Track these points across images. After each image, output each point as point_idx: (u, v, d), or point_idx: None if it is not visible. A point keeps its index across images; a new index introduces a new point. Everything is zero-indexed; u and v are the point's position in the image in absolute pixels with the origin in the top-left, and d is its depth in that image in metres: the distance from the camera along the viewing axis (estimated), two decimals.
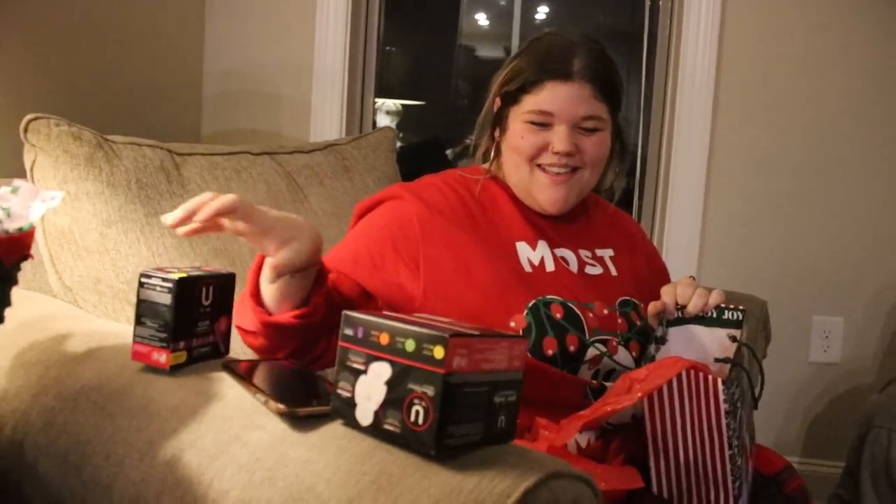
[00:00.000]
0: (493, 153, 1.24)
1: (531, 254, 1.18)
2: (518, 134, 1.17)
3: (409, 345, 0.68)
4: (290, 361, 0.96)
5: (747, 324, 1.13)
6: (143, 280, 0.86)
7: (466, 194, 1.21)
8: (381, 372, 0.70)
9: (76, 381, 0.89)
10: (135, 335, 0.87)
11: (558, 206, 1.18)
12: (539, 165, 1.17)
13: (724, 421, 0.96)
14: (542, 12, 3.15)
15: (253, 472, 0.73)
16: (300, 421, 0.76)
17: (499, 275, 1.13)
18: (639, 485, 0.98)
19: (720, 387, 0.95)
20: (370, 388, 0.71)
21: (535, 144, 1.15)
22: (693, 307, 1.10)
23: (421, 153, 2.81)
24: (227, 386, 0.85)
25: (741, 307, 1.11)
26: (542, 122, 1.15)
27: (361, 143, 1.69)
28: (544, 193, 1.17)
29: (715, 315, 1.10)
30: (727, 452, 0.96)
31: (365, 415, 0.71)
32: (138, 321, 0.87)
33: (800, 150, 2.21)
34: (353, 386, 0.72)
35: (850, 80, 2.18)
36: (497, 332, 0.75)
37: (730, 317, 1.10)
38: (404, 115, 3.02)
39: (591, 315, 1.13)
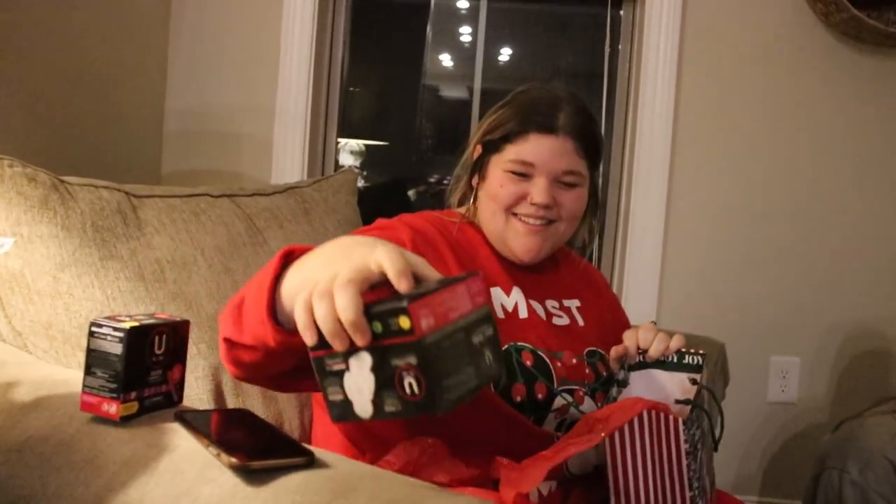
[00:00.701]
0: (471, 199, 1.25)
1: (505, 300, 1.18)
2: (497, 182, 1.18)
3: (377, 327, 0.67)
4: (247, 411, 0.94)
5: (707, 367, 1.14)
6: (94, 329, 0.85)
7: (446, 233, 1.21)
8: (362, 363, 0.69)
9: (22, 431, 0.87)
10: (84, 385, 0.85)
11: (531, 255, 1.19)
12: (515, 214, 1.18)
13: (684, 461, 0.96)
14: (505, 54, 3.19)
15: None
16: (253, 474, 0.75)
17: None
18: None
19: (681, 426, 0.96)
20: (358, 382, 0.69)
21: (515, 194, 1.17)
22: (654, 351, 1.12)
23: (383, 194, 2.81)
24: (180, 437, 0.83)
25: (701, 351, 1.13)
26: (523, 173, 1.16)
27: (322, 185, 1.69)
28: (518, 241, 1.18)
29: (675, 359, 1.12)
30: (688, 494, 0.97)
31: (364, 408, 0.69)
32: (88, 371, 0.85)
33: (756, 195, 2.25)
34: (342, 387, 0.70)
35: (807, 126, 2.24)
36: (450, 279, 0.74)
37: (690, 361, 1.12)
38: (368, 155, 3.03)
39: (559, 364, 1.14)
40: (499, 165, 1.18)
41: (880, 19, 2.08)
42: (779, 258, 2.27)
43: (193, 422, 0.86)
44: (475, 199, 1.24)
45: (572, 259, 1.35)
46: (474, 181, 1.24)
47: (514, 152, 1.17)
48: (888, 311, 2.28)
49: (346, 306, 0.65)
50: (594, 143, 1.20)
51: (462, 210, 1.26)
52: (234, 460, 0.75)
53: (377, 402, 0.69)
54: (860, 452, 1.69)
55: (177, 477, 0.77)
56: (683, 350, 1.12)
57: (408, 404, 0.68)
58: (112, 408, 0.84)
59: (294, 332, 0.72)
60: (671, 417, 0.97)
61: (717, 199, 2.26)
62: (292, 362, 0.83)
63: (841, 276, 2.27)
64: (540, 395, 1.10)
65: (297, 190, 1.62)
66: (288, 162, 2.22)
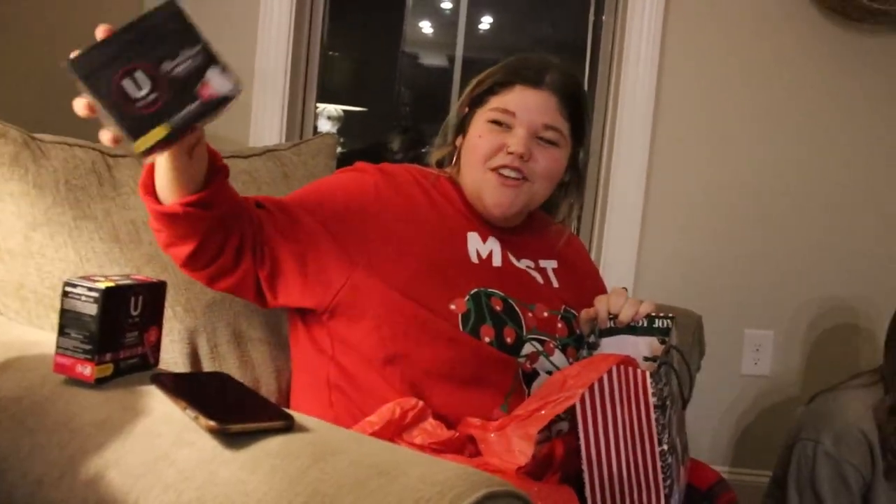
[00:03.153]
0: (454, 158, 1.24)
1: (480, 245, 1.18)
2: (477, 133, 1.18)
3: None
4: (225, 374, 0.93)
5: (676, 330, 1.15)
6: (68, 289, 0.83)
7: (425, 182, 1.22)
8: None
9: None
10: (57, 346, 0.83)
11: (502, 208, 1.17)
12: (491, 169, 1.17)
13: (653, 415, 0.96)
14: (486, 22, 3.16)
15: (181, 491, 0.70)
16: (232, 438, 0.74)
17: (445, 256, 1.14)
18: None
19: (649, 380, 0.96)
20: None
21: (492, 143, 1.16)
22: (624, 316, 1.13)
23: (363, 160, 2.79)
24: (156, 401, 0.82)
25: (670, 315, 1.14)
26: (503, 122, 1.16)
27: (301, 149, 1.66)
28: (492, 194, 1.17)
29: (646, 324, 1.12)
30: (657, 449, 0.97)
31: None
32: (62, 332, 0.83)
33: (736, 167, 2.25)
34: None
35: (791, 101, 2.24)
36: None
37: (660, 325, 1.13)
38: (346, 121, 2.99)
39: (530, 315, 1.15)
40: (481, 116, 1.18)
41: None
42: (755, 233, 2.27)
43: (170, 385, 0.84)
44: (458, 158, 1.23)
45: (553, 227, 1.34)
46: (458, 141, 1.24)
47: (496, 102, 1.17)
48: (860, 289, 2.30)
49: None
50: (579, 106, 1.20)
51: (447, 169, 1.26)
52: (212, 423, 0.73)
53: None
54: (834, 424, 1.71)
55: (154, 440, 0.76)
56: (653, 314, 1.13)
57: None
58: (86, 369, 0.82)
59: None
60: (639, 371, 0.97)
61: (698, 173, 2.25)
62: (196, 236, 0.97)
63: (817, 251, 2.29)
64: (509, 339, 1.10)
65: (276, 153, 1.59)
66: (266, 125, 2.18)
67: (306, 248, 1.08)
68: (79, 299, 0.83)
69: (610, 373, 0.97)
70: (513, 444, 0.97)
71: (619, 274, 2.22)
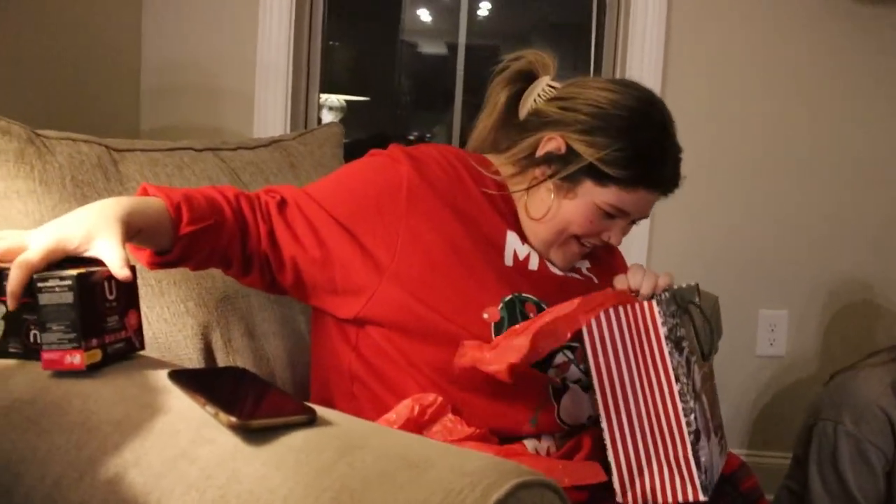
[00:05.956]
0: (526, 183, 1.14)
1: (519, 246, 1.13)
2: (587, 217, 1.10)
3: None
4: (242, 369, 0.91)
5: (699, 295, 1.13)
6: (40, 284, 0.81)
7: (466, 174, 1.14)
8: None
9: (7, 395, 0.83)
10: (42, 344, 0.81)
11: (567, 267, 1.17)
12: (577, 238, 1.13)
13: (665, 347, 0.93)
14: (485, 8, 3.13)
15: (203, 490, 0.68)
16: (253, 434, 0.71)
17: (479, 262, 1.07)
18: (601, 478, 0.96)
19: (656, 309, 0.94)
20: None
21: (597, 230, 1.13)
22: (645, 290, 1.08)
23: (371, 148, 2.77)
24: (174, 397, 0.80)
25: (693, 283, 1.12)
26: (614, 216, 1.12)
27: (307, 138, 1.64)
28: (566, 259, 1.15)
29: (668, 296, 1.10)
30: (675, 387, 0.93)
31: None
32: (42, 328, 0.81)
33: (746, 146, 2.23)
34: None
35: (800, 76, 2.21)
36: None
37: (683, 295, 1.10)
38: (348, 111, 2.97)
39: None
40: (593, 197, 1.09)
41: None
42: (767, 211, 2.25)
43: (188, 381, 0.82)
44: (531, 188, 1.14)
45: None
46: (540, 171, 1.13)
47: (617, 197, 1.09)
48: (875, 266, 2.28)
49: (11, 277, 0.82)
50: None
51: (500, 168, 1.18)
52: (233, 419, 0.71)
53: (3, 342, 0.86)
54: (854, 403, 1.69)
55: (173, 438, 0.74)
56: (675, 286, 1.10)
57: (28, 351, 0.85)
58: (76, 358, 0.81)
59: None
60: (646, 303, 0.94)
61: (708, 152, 2.23)
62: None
63: (830, 229, 2.26)
64: None
65: (282, 143, 1.57)
66: (270, 117, 2.16)
67: (331, 258, 1.05)
68: (53, 291, 0.81)
69: (617, 311, 0.95)
70: (510, 345, 0.94)
71: (630, 258, 2.19)
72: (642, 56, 2.18)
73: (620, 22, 2.28)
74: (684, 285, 1.11)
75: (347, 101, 3.01)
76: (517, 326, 0.98)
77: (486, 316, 1.04)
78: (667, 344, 0.93)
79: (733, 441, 2.30)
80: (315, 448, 0.69)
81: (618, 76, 2.26)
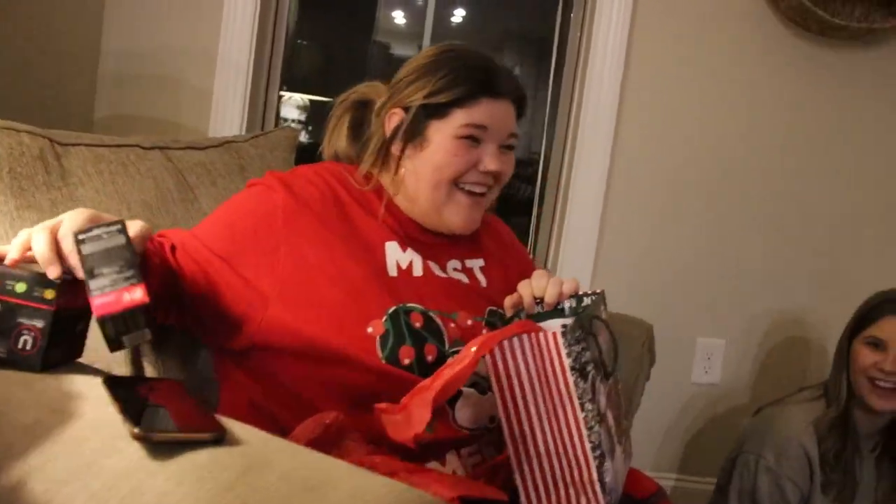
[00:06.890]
0: (392, 168, 1.19)
1: (400, 255, 1.15)
2: (449, 151, 1.13)
3: (21, 287, 0.84)
4: (176, 382, 0.91)
5: (605, 304, 1.13)
6: (82, 237, 0.83)
7: (340, 187, 1.17)
8: None
9: None
10: (92, 290, 0.81)
11: (471, 227, 1.18)
12: (458, 185, 1.15)
13: (570, 377, 0.93)
14: (458, 15, 3.15)
15: (105, 501, 0.69)
16: (160, 447, 0.72)
17: (361, 277, 1.09)
18: (503, 497, 0.95)
19: (560, 340, 0.93)
20: None
21: (468, 162, 1.14)
22: (550, 297, 1.10)
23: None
24: (89, 404, 0.80)
25: (598, 291, 1.12)
26: (476, 138, 1.13)
27: (260, 141, 1.64)
28: (461, 215, 1.16)
29: (574, 304, 1.10)
30: (580, 415, 0.93)
31: None
32: (91, 276, 0.82)
33: (694, 171, 2.28)
34: None
35: (748, 109, 2.27)
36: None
37: (588, 303, 1.10)
38: (312, 111, 2.96)
39: (452, 325, 1.11)
40: (446, 132, 1.13)
41: (827, 10, 2.10)
42: (711, 242, 2.30)
43: (117, 389, 0.82)
44: (397, 168, 1.18)
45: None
46: (395, 147, 1.18)
47: (465, 117, 1.13)
48: (811, 301, 2.34)
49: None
50: (524, 106, 1.21)
51: (367, 167, 1.21)
52: (136, 430, 0.72)
53: None
54: (776, 439, 1.74)
55: (81, 446, 0.74)
56: (581, 294, 1.11)
57: (13, 355, 0.85)
58: (136, 293, 0.82)
59: None
60: (550, 334, 0.94)
61: (657, 179, 2.27)
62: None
63: (772, 265, 2.32)
64: (430, 357, 1.07)
65: (234, 145, 1.57)
66: (228, 112, 2.15)
67: (219, 293, 1.06)
68: (100, 238, 0.83)
69: (521, 340, 0.95)
70: (413, 415, 0.95)
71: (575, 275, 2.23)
72: (602, 73, 2.21)
73: (583, 38, 2.31)
74: (590, 292, 1.11)
75: (314, 102, 3.01)
76: (426, 381, 0.97)
77: (370, 330, 1.05)
78: (572, 374, 0.94)
79: (664, 465, 2.35)
80: (218, 466, 0.70)
81: (577, 90, 2.29)
